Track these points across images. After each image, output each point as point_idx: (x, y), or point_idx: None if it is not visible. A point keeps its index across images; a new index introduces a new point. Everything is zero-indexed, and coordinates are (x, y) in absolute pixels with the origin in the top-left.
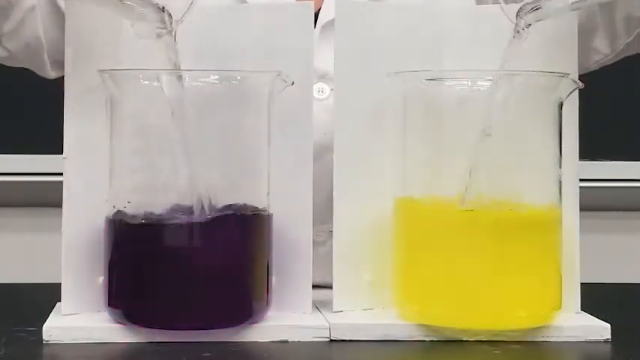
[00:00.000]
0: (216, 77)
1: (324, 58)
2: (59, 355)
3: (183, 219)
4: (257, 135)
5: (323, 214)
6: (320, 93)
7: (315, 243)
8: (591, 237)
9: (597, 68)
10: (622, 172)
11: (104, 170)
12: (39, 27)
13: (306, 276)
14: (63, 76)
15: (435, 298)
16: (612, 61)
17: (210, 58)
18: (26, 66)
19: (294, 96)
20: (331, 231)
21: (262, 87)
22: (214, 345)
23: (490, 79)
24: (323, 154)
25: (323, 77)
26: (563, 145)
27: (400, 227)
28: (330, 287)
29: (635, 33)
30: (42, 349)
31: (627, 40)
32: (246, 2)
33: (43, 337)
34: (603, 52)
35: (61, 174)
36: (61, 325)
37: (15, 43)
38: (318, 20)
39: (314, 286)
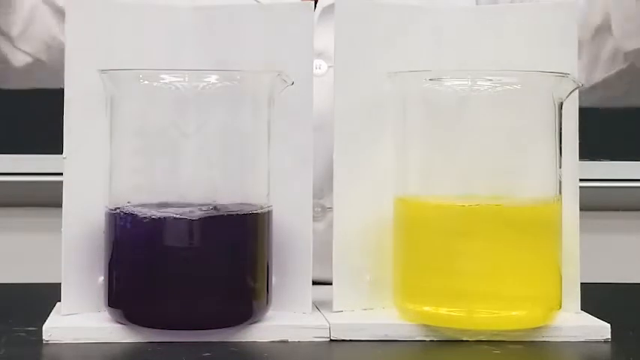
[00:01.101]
0: (216, 77)
1: (323, 38)
2: (59, 355)
3: (183, 219)
4: (257, 134)
5: (318, 187)
6: (318, 69)
7: None
8: (591, 237)
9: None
10: (622, 172)
11: (104, 170)
12: (50, 25)
13: (305, 276)
14: (63, 76)
15: (435, 298)
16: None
17: (210, 58)
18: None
19: (294, 95)
20: (329, 207)
21: (262, 87)
22: (214, 345)
23: (490, 79)
24: (319, 129)
25: (320, 55)
26: (563, 145)
27: (400, 227)
28: (328, 283)
29: (615, 71)
30: (42, 349)
31: (605, 76)
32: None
33: (43, 337)
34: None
35: (61, 174)
36: (61, 325)
37: (30, 44)
38: (317, 4)
39: (313, 283)
